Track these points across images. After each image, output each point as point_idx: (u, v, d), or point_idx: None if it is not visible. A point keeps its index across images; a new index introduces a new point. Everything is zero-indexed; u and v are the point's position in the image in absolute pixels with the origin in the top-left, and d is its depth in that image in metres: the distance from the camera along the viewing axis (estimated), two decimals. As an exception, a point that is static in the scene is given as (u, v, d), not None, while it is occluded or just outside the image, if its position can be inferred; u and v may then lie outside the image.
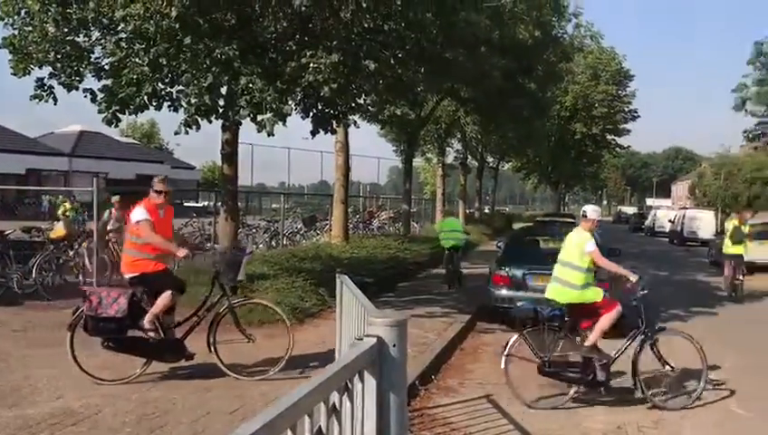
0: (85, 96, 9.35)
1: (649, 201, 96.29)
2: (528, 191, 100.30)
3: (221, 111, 9.25)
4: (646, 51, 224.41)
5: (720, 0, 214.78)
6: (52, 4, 8.90)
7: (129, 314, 6.31)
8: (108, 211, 14.11)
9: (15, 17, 9.33)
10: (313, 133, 10.66)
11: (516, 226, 36.16)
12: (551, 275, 7.07)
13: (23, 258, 11.08)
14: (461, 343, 9.36)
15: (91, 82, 9.60)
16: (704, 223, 34.55)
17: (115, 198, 14.29)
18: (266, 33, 9.56)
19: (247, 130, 10.01)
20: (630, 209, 73.06)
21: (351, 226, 20.54)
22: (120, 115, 9.24)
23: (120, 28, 9.22)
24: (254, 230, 19.25)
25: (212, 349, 6.61)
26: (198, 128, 9.06)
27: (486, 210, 47.08)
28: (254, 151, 27.06)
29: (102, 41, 9.48)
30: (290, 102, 9.73)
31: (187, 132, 9.01)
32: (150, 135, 67.49)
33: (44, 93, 9.49)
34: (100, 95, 9.17)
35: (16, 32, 9.39)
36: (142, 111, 9.50)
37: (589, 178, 59.06)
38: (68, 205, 19.90)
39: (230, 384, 6.45)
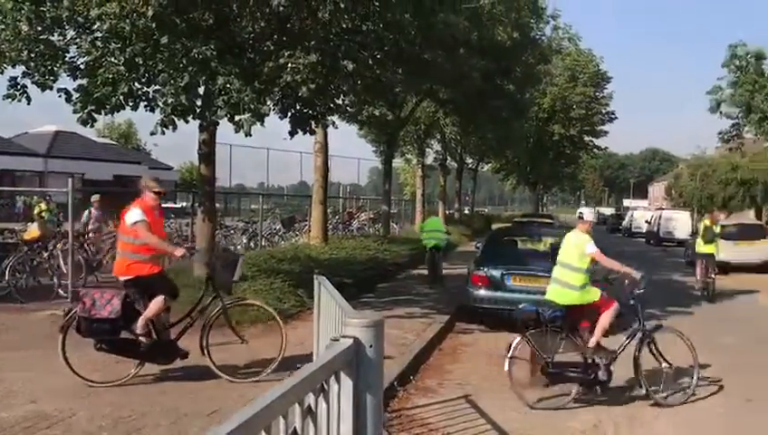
0: (60, 96, 9.21)
1: (627, 202, 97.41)
2: (507, 192, 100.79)
3: (198, 111, 9.18)
4: (623, 53, 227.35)
5: (695, 3, 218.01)
6: (25, 2, 8.70)
7: (123, 315, 6.24)
8: (87, 211, 13.95)
9: (-13, 15, 9.16)
10: (292, 134, 10.61)
11: (495, 226, 36.31)
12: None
13: (-5, 260, 10.88)
14: (440, 344, 9.37)
15: (66, 81, 9.47)
16: (680, 223, 34.95)
17: (95, 198, 14.13)
18: (244, 32, 9.51)
19: (226, 130, 9.95)
20: (608, 210, 73.62)
21: (331, 227, 20.48)
22: (95, 115, 9.09)
23: (95, 27, 9.06)
24: (231, 231, 19.11)
25: (205, 352, 6.56)
26: (175, 128, 8.98)
27: (466, 211, 47.25)
28: (232, 152, 26.85)
29: (77, 40, 9.31)
30: (268, 103, 9.70)
31: (163, 132, 8.93)
32: (128, 135, 66.58)
33: (17, 93, 9.28)
34: (75, 95, 9.02)
35: (-12, 30, 9.21)
36: (118, 111, 9.40)
37: (567, 180, 59.45)
38: (44, 205, 19.60)
39: (221, 386, 6.40)
